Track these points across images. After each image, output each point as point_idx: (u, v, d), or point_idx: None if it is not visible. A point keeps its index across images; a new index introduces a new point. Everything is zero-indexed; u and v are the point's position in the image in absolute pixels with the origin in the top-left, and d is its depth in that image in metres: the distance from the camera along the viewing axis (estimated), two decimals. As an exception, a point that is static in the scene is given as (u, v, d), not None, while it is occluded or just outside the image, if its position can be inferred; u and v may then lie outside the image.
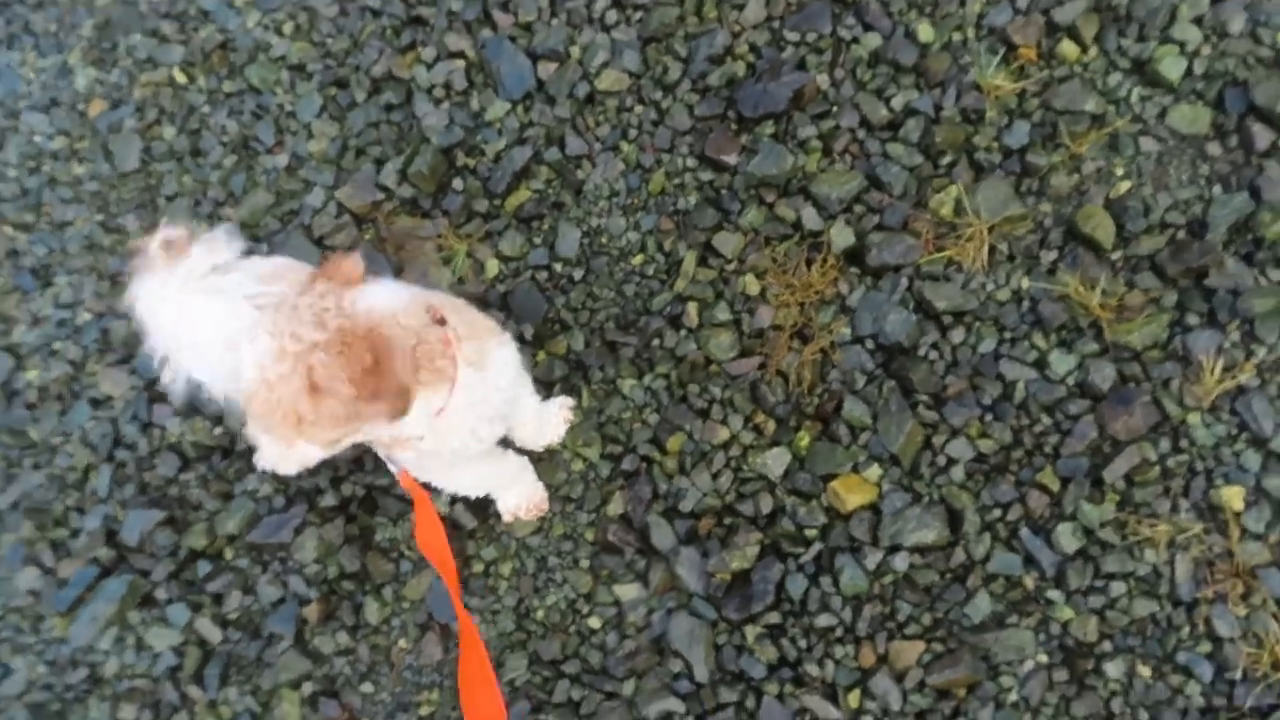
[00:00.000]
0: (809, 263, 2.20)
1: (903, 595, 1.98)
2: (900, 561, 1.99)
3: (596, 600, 2.13)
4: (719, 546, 2.08)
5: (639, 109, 2.42)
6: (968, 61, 2.23)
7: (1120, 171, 2.11)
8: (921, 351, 2.10)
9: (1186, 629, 1.87)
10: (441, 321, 1.48)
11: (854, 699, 1.95)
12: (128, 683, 2.27)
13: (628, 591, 2.11)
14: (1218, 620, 1.85)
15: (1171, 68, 2.10)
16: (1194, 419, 1.95)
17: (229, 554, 2.32)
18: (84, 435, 2.43)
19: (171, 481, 2.39)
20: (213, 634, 2.26)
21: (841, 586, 2.00)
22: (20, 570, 2.37)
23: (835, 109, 2.29)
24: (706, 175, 2.34)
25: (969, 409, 2.04)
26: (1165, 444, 1.95)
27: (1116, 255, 2.06)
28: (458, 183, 2.46)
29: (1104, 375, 1.98)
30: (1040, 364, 2.04)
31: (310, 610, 2.23)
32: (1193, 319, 2.00)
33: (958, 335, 2.09)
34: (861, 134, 2.26)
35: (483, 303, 2.36)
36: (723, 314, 2.21)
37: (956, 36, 2.25)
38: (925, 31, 2.25)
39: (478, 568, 2.22)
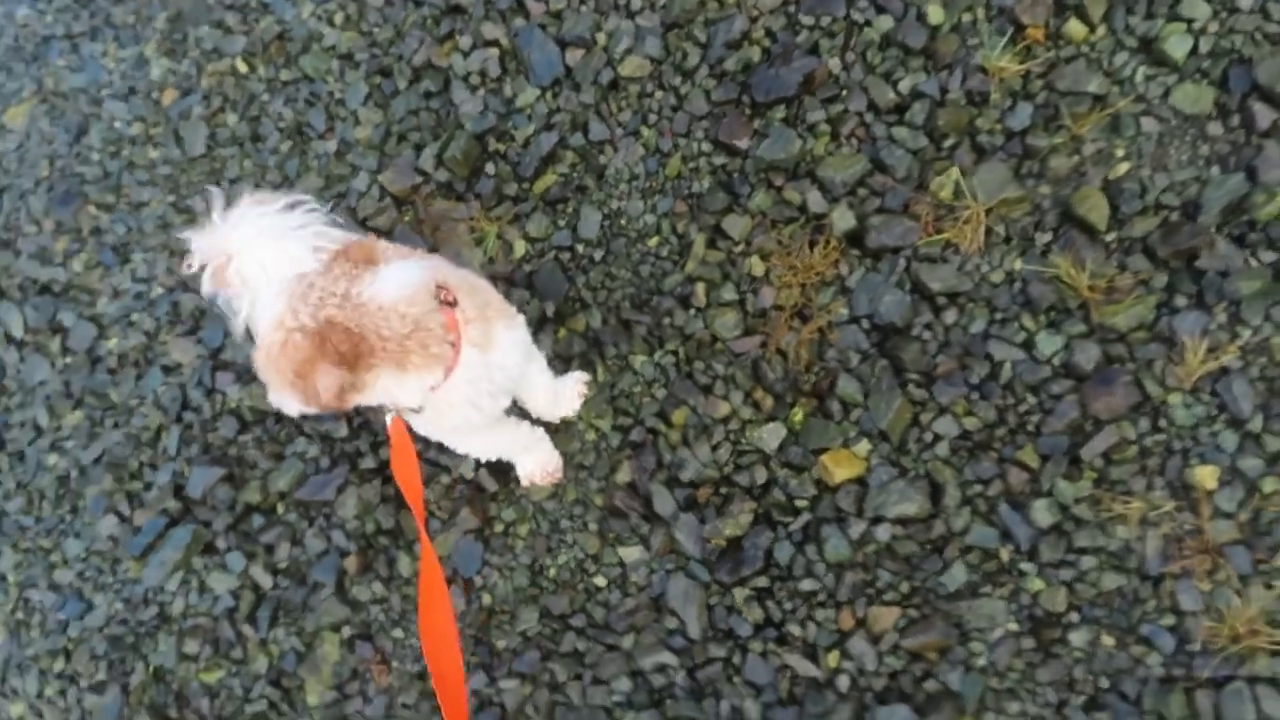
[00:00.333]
0: (812, 245, 2.52)
1: (883, 564, 2.30)
2: (883, 532, 2.31)
3: (603, 561, 2.52)
4: (715, 514, 2.44)
5: (659, 94, 2.77)
6: (975, 43, 2.49)
7: (1120, 153, 2.34)
8: (915, 331, 2.40)
9: (1152, 602, 2.13)
10: (452, 304, 1.83)
11: (833, 659, 2.28)
12: (191, 620, 2.80)
13: (631, 553, 2.49)
14: (1182, 595, 2.10)
15: (1177, 46, 2.32)
16: (1175, 399, 2.19)
17: (280, 509, 2.81)
18: (156, 399, 2.97)
19: (231, 442, 2.89)
20: (265, 580, 2.75)
21: (826, 554, 2.33)
22: (101, 518, 2.93)
23: (845, 93, 2.59)
24: (720, 159, 2.67)
25: (957, 388, 2.33)
26: (1145, 424, 2.21)
27: (1110, 237, 2.31)
28: (490, 167, 2.87)
29: (1089, 356, 2.24)
30: (1028, 344, 2.31)
31: (350, 562, 2.70)
32: (1181, 300, 2.24)
33: (950, 316, 2.38)
34: (869, 118, 2.56)
35: (509, 282, 2.78)
36: (729, 294, 2.56)
37: (966, 18, 2.52)
38: (935, 13, 2.53)
39: (498, 528, 2.64)
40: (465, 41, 3.00)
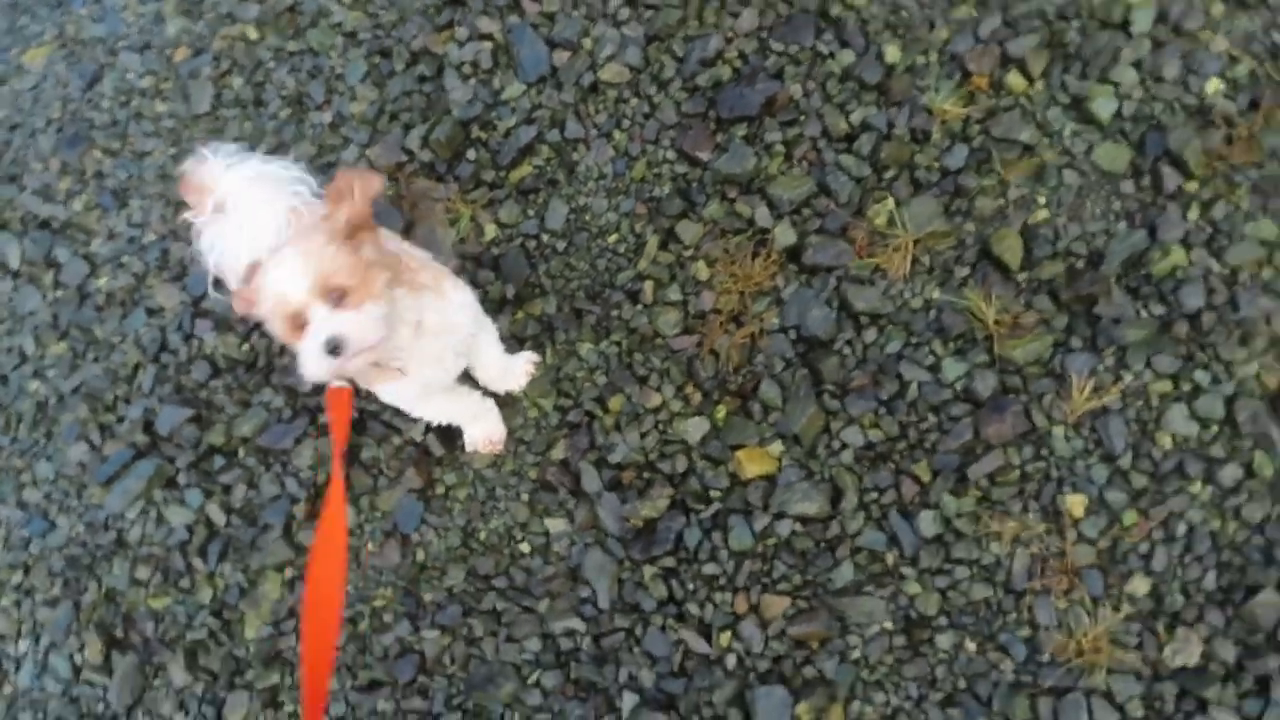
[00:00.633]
0: (754, 256, 2.90)
1: (780, 556, 2.67)
2: (784, 527, 2.68)
3: (530, 529, 2.91)
4: (636, 496, 2.82)
5: (634, 101, 3.17)
6: (925, 84, 2.87)
7: (1041, 200, 2.72)
8: (836, 346, 2.78)
9: (1013, 614, 2.49)
10: None
11: (724, 639, 2.66)
12: (146, 549, 3.20)
13: (556, 525, 2.88)
14: (1039, 610, 2.46)
15: (1104, 107, 2.69)
16: (1058, 431, 2.56)
17: (241, 453, 3.22)
18: (137, 338, 3.39)
19: (202, 386, 3.31)
20: (219, 518, 3.16)
21: (730, 542, 2.71)
22: (73, 444, 3.35)
23: (802, 118, 2.98)
24: (682, 168, 3.07)
25: (867, 401, 2.70)
26: (1028, 451, 2.57)
27: (1022, 277, 2.68)
28: (471, 153, 3.27)
29: (987, 384, 2.61)
30: (935, 368, 2.68)
31: (299, 508, 3.10)
32: (1076, 342, 2.60)
33: (870, 335, 2.75)
34: (821, 143, 2.95)
35: (478, 262, 3.19)
36: (674, 294, 2.94)
37: (920, 60, 2.90)
38: (893, 53, 2.91)
39: (440, 490, 3.03)
40: (462, 32, 3.40)
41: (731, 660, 2.66)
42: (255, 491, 3.18)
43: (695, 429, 2.84)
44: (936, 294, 2.75)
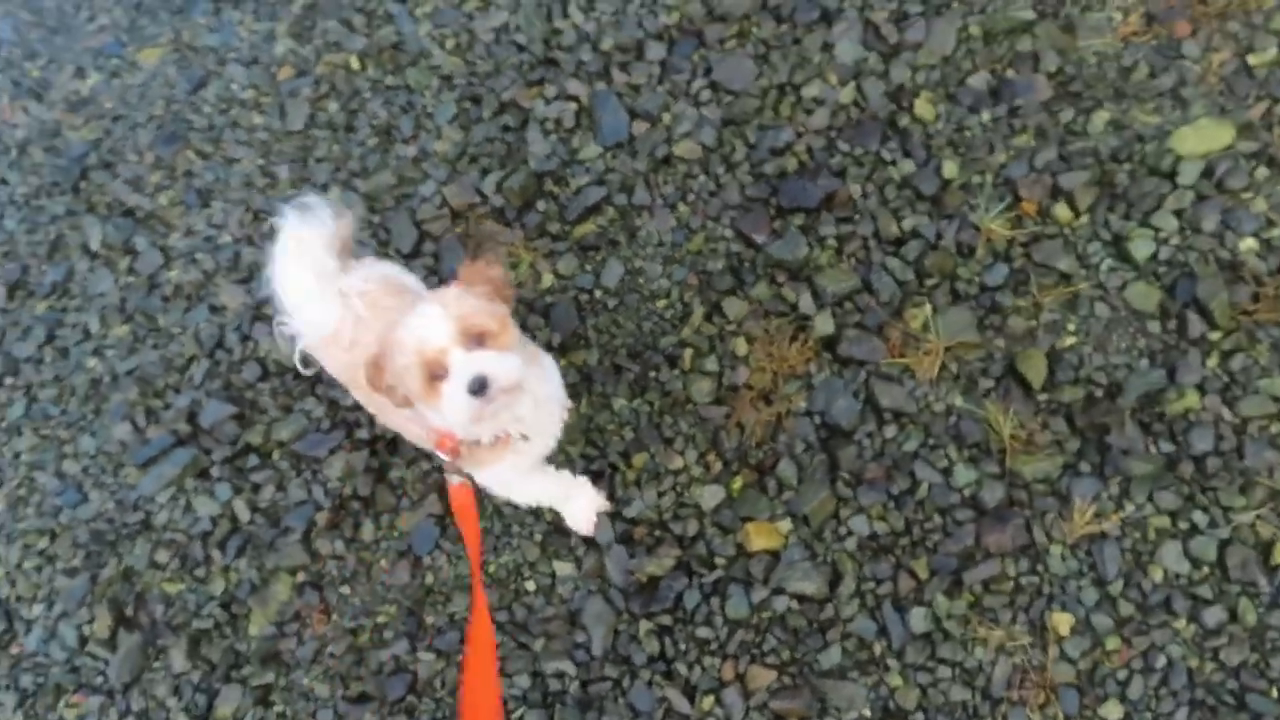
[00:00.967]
0: (792, 340, 3.24)
1: (773, 630, 2.97)
2: (780, 603, 2.98)
3: (538, 569, 3.23)
4: (644, 552, 3.14)
5: (702, 178, 3.56)
6: (976, 203, 3.22)
7: (1071, 327, 3.04)
8: (857, 437, 3.10)
9: None
10: None
11: (707, 703, 2.95)
12: (170, 534, 3.58)
13: (564, 568, 3.20)
14: None
15: (1142, 248, 3.03)
16: (1055, 550, 2.84)
17: (275, 455, 3.60)
18: (196, 332, 3.81)
19: (250, 386, 3.70)
20: (244, 514, 3.53)
21: (727, 610, 3.01)
22: (118, 424, 3.76)
23: (857, 217, 3.34)
24: (737, 247, 3.44)
25: (878, 494, 3.01)
26: (1025, 564, 2.86)
27: (1042, 397, 3.00)
28: (540, 204, 3.68)
29: (994, 495, 2.91)
30: (947, 471, 2.99)
31: (321, 516, 3.46)
32: (1084, 467, 2.90)
33: (890, 431, 3.07)
34: (871, 243, 3.31)
35: (530, 308, 3.56)
36: (711, 365, 3.29)
37: (975, 179, 3.26)
38: (951, 169, 3.27)
39: (457, 520, 3.35)
40: (550, 91, 3.85)
41: (710, 724, 2.95)
42: (283, 494, 3.55)
43: (711, 496, 3.16)
44: (959, 401, 3.07)
